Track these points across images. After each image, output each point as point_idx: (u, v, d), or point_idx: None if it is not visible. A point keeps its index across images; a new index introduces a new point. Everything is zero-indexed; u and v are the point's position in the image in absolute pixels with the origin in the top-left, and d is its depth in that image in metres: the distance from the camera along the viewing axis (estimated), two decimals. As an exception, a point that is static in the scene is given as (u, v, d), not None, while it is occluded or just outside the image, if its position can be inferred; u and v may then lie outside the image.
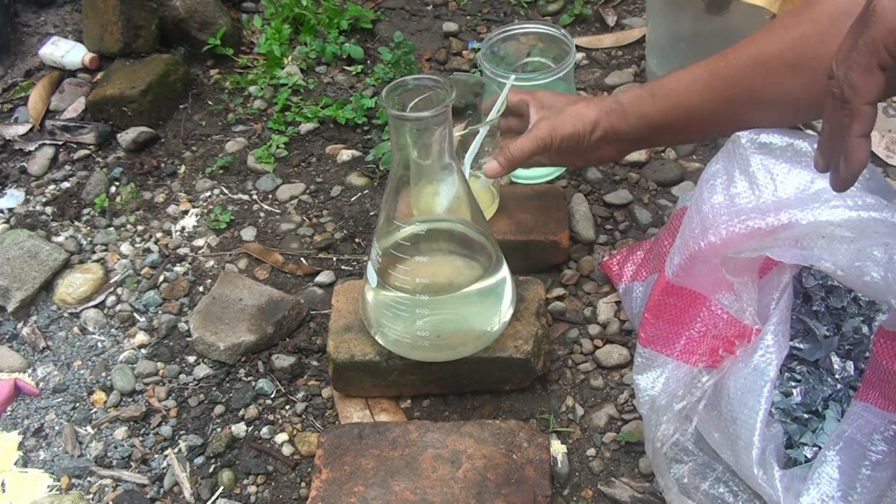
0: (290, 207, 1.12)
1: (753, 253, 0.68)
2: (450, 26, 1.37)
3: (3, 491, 0.87)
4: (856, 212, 0.66)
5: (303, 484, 0.84)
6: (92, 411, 0.92)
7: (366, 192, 1.12)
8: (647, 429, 0.73)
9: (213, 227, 1.10)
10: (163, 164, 1.20)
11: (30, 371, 0.97)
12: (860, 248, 0.63)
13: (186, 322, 0.99)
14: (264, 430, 0.88)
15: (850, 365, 0.78)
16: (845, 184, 0.52)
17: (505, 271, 0.84)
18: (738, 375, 0.68)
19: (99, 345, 0.99)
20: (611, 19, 1.35)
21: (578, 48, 1.28)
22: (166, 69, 1.27)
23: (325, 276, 1.02)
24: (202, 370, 0.94)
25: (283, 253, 1.06)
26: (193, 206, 1.14)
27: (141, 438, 0.89)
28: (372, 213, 1.09)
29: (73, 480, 0.87)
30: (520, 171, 1.08)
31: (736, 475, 0.69)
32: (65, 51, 1.32)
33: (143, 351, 0.98)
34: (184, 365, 0.95)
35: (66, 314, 1.03)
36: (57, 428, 0.92)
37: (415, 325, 0.80)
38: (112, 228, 1.12)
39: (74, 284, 1.04)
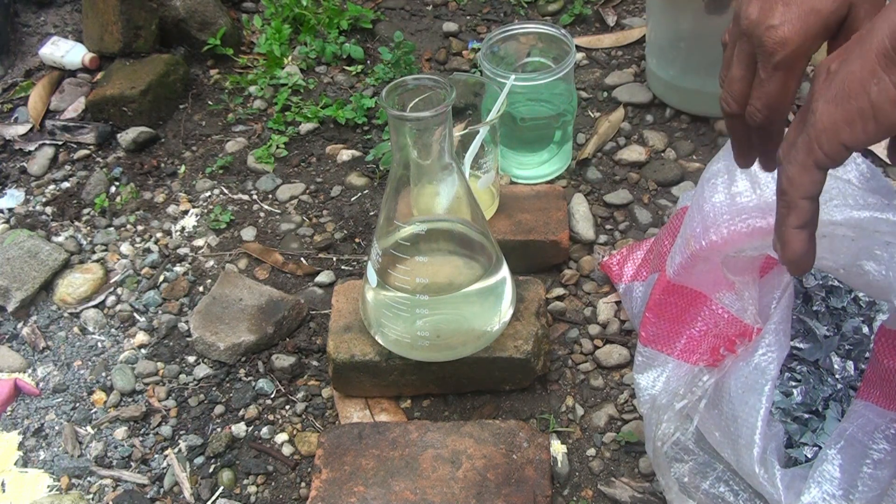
0: (290, 207, 1.12)
1: (755, 252, 0.68)
2: (450, 26, 1.37)
3: (3, 491, 0.87)
4: (857, 211, 0.66)
5: (303, 484, 0.84)
6: (92, 411, 0.92)
7: (366, 192, 1.12)
8: (648, 428, 0.73)
9: (213, 227, 1.10)
10: (163, 164, 1.20)
11: (30, 371, 0.97)
12: (861, 246, 0.63)
13: (186, 322, 0.99)
14: (264, 430, 0.88)
15: (850, 365, 0.78)
16: (793, 269, 0.51)
17: (505, 271, 0.84)
18: (739, 374, 0.68)
19: (99, 345, 0.99)
20: (611, 19, 1.35)
21: (578, 48, 1.28)
22: (166, 69, 1.27)
23: (325, 276, 1.02)
24: (202, 370, 0.94)
25: (283, 253, 1.06)
26: (193, 206, 1.14)
27: (141, 438, 0.89)
28: (372, 213, 1.09)
29: (73, 480, 0.87)
30: (520, 171, 1.09)
31: (736, 474, 0.69)
32: (65, 51, 1.32)
33: (143, 351, 0.98)
34: (184, 365, 0.95)
35: (66, 314, 1.03)
36: (57, 428, 0.92)
37: (415, 325, 0.80)
38: (112, 228, 1.12)
39: (74, 284, 1.04)
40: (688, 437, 0.71)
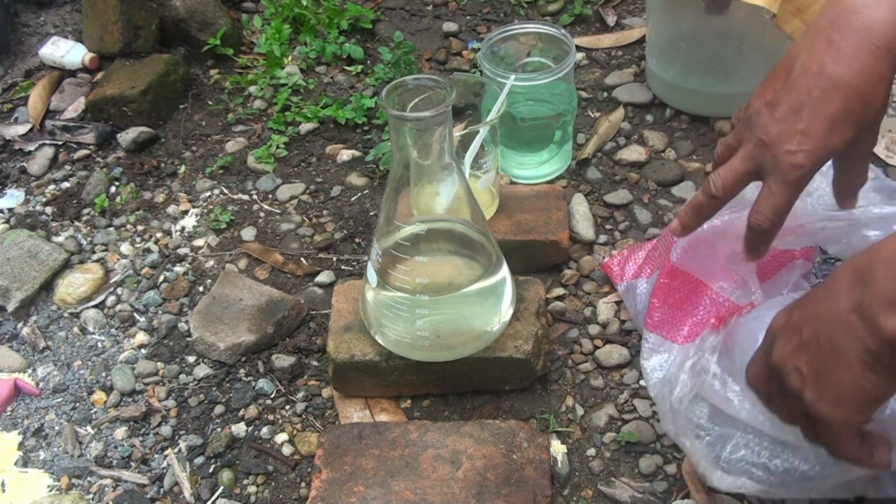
0: (290, 207, 1.12)
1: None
2: (450, 26, 1.37)
3: (3, 491, 0.87)
4: (859, 207, 0.71)
5: (303, 484, 0.84)
6: (92, 411, 0.92)
7: (366, 192, 1.12)
8: (662, 404, 0.74)
9: (213, 227, 1.10)
10: (163, 164, 1.20)
11: (30, 371, 0.97)
12: (860, 233, 0.67)
13: (186, 322, 0.99)
14: (264, 430, 0.88)
15: None
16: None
17: (505, 271, 0.84)
18: (746, 327, 0.69)
19: (99, 345, 0.99)
20: (611, 19, 1.35)
21: (578, 48, 1.28)
22: (166, 69, 1.27)
23: (325, 276, 1.02)
24: (202, 370, 0.94)
25: (283, 253, 1.06)
26: (193, 206, 1.14)
27: (141, 438, 0.89)
28: (372, 213, 1.09)
29: (73, 480, 0.87)
30: (520, 171, 1.09)
31: (754, 436, 0.69)
32: (65, 51, 1.32)
33: (143, 351, 0.98)
34: (184, 365, 0.95)
35: (66, 314, 1.03)
36: (57, 428, 0.92)
37: (415, 325, 0.80)
38: (112, 228, 1.12)
39: (74, 284, 1.04)
40: (701, 415, 0.71)
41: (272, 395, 0.91)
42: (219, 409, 0.91)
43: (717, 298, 0.77)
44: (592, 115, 1.20)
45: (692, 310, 0.78)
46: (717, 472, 0.70)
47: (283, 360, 0.93)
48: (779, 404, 0.60)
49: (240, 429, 0.88)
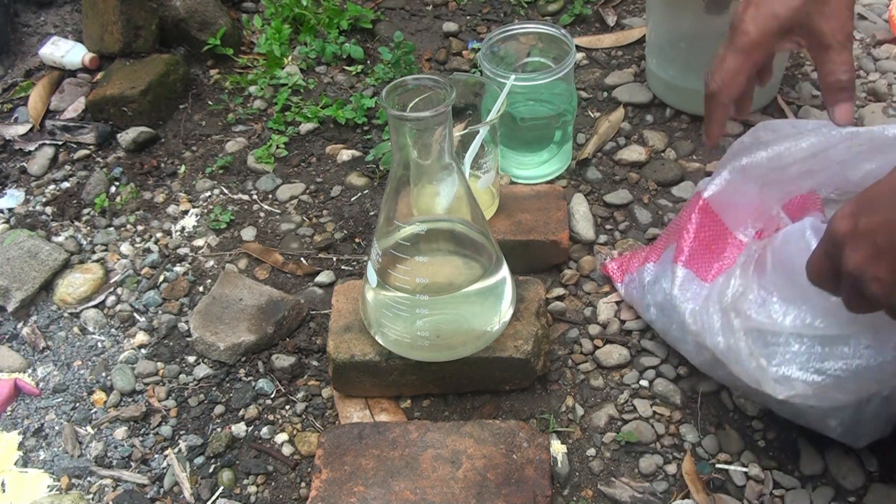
0: (290, 207, 1.12)
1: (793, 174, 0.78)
2: (450, 26, 1.37)
3: (3, 491, 0.87)
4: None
5: (303, 484, 0.84)
6: (92, 411, 0.92)
7: (366, 192, 1.13)
8: (706, 320, 0.76)
9: (213, 227, 1.10)
10: (163, 164, 1.20)
11: (30, 371, 0.97)
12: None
13: (186, 322, 0.99)
14: (264, 430, 0.88)
15: None
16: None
17: (505, 271, 0.84)
18: (784, 236, 0.71)
19: (99, 345, 0.99)
20: (611, 19, 1.35)
21: (578, 48, 1.28)
22: (166, 69, 1.27)
23: (325, 276, 1.02)
24: (202, 370, 0.94)
25: (283, 253, 1.06)
26: (193, 206, 1.14)
27: (141, 438, 0.89)
28: (372, 213, 1.09)
29: (73, 480, 0.87)
30: (520, 171, 1.09)
31: (799, 347, 0.70)
32: (65, 51, 1.32)
33: (143, 351, 0.98)
34: (184, 365, 0.95)
35: (66, 314, 1.03)
36: (57, 428, 0.92)
37: (415, 325, 0.81)
38: (112, 228, 1.12)
39: (74, 284, 1.04)
40: (739, 345, 0.73)
41: (272, 395, 0.91)
42: (219, 409, 0.91)
43: (741, 245, 0.80)
44: (592, 115, 1.20)
45: (719, 253, 0.82)
46: (771, 378, 0.70)
47: (283, 360, 0.93)
48: (856, 304, 0.61)
49: (240, 429, 0.88)
